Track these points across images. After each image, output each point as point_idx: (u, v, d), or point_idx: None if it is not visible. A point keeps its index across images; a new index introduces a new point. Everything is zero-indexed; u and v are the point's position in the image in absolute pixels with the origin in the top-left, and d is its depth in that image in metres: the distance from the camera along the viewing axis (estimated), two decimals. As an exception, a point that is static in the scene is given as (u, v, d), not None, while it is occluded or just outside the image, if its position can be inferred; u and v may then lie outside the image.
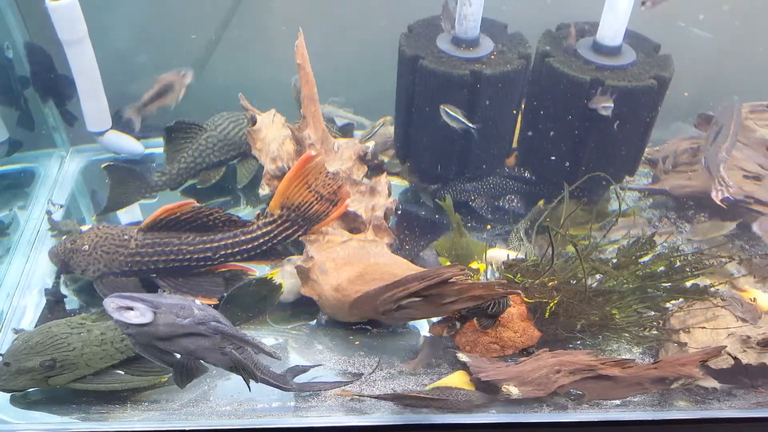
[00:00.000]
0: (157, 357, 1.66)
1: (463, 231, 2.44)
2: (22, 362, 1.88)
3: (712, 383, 1.98)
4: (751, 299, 2.18)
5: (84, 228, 2.49)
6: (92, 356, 1.93)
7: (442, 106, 2.33)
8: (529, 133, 2.63)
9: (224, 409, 1.93)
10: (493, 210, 2.68)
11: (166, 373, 1.98)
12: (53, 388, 1.92)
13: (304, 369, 2.00)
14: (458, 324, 2.12)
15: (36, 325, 2.14)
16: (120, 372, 1.98)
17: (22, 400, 1.95)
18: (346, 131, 2.92)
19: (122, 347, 1.97)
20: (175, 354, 1.68)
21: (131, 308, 1.54)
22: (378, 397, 1.94)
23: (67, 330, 1.95)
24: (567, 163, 2.55)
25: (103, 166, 2.58)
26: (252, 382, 1.79)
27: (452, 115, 2.29)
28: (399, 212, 2.66)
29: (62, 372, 1.90)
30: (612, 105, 2.27)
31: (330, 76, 2.63)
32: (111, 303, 1.53)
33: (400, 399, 1.92)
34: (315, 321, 2.23)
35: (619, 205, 2.27)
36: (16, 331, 2.15)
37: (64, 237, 2.46)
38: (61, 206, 2.70)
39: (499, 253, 2.33)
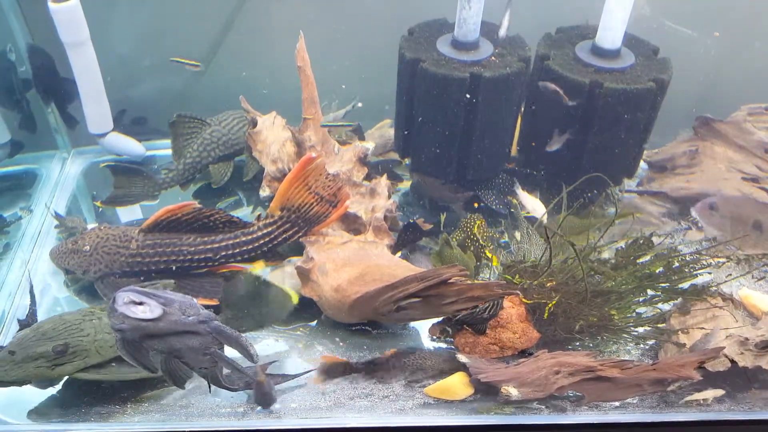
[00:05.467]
0: (134, 356, 1.62)
1: (452, 244, 2.42)
2: (31, 348, 1.84)
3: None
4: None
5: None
6: (103, 344, 1.91)
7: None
8: (529, 135, 2.64)
9: (224, 411, 1.93)
10: (504, 204, 2.66)
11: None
12: (58, 379, 1.89)
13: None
14: (450, 330, 2.12)
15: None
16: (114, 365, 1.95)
17: (22, 400, 1.94)
18: (357, 131, 2.93)
19: None
20: (152, 352, 1.64)
21: (140, 303, 1.51)
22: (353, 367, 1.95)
23: (79, 317, 1.95)
24: (566, 164, 2.57)
25: (102, 164, 2.58)
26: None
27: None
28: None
29: (72, 359, 1.87)
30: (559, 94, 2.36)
31: (330, 79, 2.64)
32: (125, 297, 1.51)
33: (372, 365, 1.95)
34: (315, 322, 2.24)
35: (616, 207, 2.28)
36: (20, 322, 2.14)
37: (67, 235, 2.48)
38: (31, 210, 2.70)
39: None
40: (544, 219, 2.37)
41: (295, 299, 2.21)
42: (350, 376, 2.00)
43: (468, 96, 2.37)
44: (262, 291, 2.19)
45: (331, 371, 2.01)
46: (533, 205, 2.45)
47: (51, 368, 1.87)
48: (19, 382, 1.88)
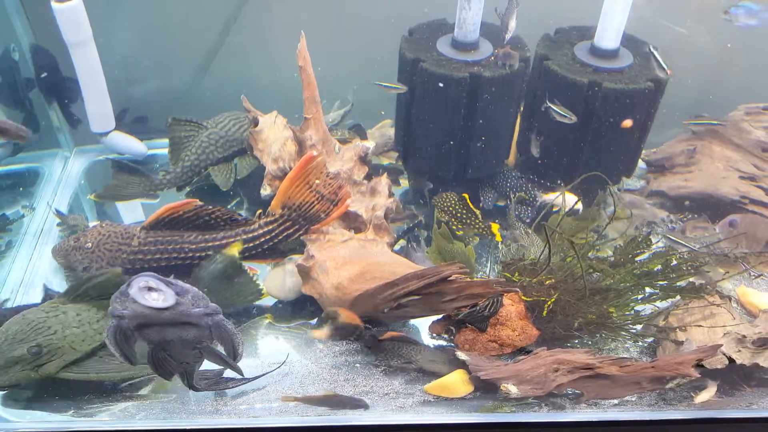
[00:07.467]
0: (120, 346, 1.59)
1: (450, 238, 2.44)
2: (8, 353, 1.82)
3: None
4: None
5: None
6: (74, 338, 1.88)
7: (547, 104, 2.40)
8: (528, 135, 2.65)
9: (225, 408, 1.94)
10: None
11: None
12: (45, 378, 1.87)
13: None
14: (453, 329, 2.13)
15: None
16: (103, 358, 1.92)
17: (21, 398, 1.95)
18: (357, 131, 2.94)
19: (99, 328, 1.92)
20: (137, 344, 1.62)
21: (153, 289, 1.47)
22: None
23: (42, 315, 1.91)
24: (565, 164, 2.58)
25: (104, 157, 2.58)
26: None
27: (560, 112, 2.37)
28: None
29: (50, 359, 1.85)
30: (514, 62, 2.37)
31: (331, 79, 2.65)
32: (142, 282, 1.46)
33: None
34: (316, 320, 2.25)
35: (614, 206, 2.29)
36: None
37: (68, 233, 2.49)
38: (33, 208, 2.72)
39: None
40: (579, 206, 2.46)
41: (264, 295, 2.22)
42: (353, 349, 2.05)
43: (467, 96, 2.39)
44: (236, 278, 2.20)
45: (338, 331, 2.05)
46: (568, 199, 2.48)
47: (35, 370, 1.85)
48: (12, 386, 1.87)
